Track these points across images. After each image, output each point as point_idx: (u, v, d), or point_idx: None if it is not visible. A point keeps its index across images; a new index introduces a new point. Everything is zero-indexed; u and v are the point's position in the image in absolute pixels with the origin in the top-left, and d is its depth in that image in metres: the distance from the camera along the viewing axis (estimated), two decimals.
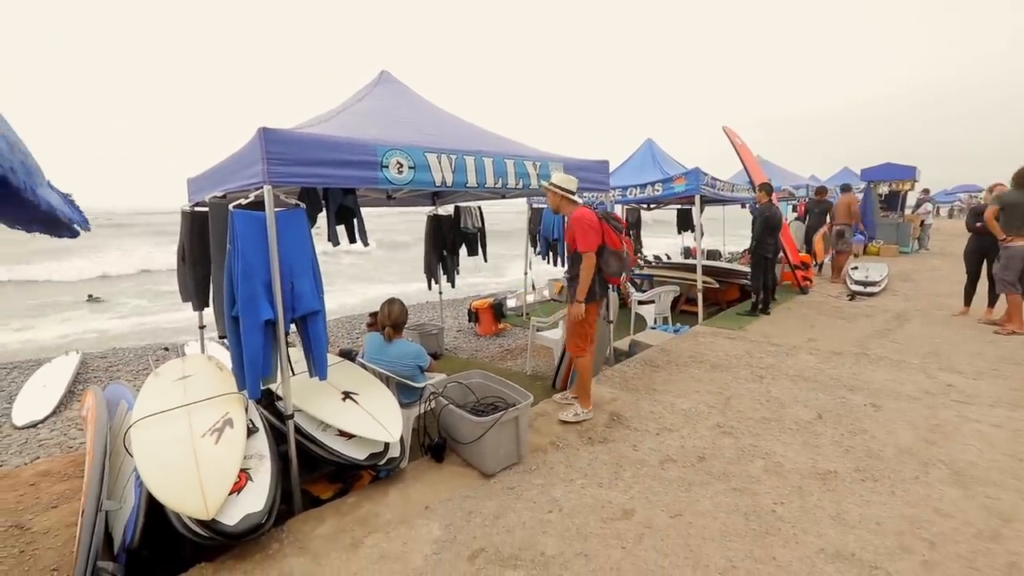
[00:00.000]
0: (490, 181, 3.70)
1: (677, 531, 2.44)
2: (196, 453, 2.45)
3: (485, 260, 7.40)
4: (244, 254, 2.69)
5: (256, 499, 2.34)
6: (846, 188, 10.34)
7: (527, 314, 8.79)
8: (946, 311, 6.88)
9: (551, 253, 9.31)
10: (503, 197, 6.19)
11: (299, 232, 2.94)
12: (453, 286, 7.45)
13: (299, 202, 3.05)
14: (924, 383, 4.26)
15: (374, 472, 2.97)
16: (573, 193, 3.66)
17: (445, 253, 7.16)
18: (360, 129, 3.47)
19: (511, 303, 9.28)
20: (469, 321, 8.43)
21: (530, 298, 9.70)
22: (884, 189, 14.42)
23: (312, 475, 3.10)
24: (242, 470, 2.47)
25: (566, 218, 3.69)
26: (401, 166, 3.18)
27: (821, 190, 10.86)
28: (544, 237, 9.11)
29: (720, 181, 7.37)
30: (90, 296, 14.45)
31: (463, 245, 7.17)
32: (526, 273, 9.56)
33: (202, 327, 4.63)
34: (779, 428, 3.51)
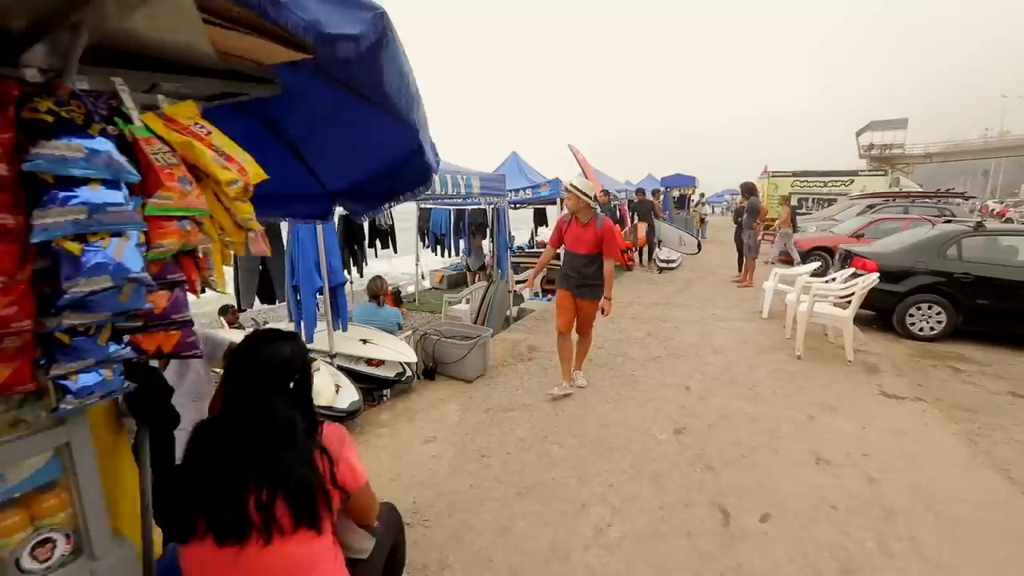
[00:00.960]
0: (439, 190, 5.29)
1: (583, 395, 4.43)
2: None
3: (395, 252, 8.76)
4: (303, 243, 3.97)
5: (350, 396, 3.71)
6: (655, 193, 13.85)
7: (417, 300, 10.25)
8: (718, 277, 10.29)
9: (439, 247, 10.95)
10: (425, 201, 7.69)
11: (330, 230, 4.27)
12: (362, 275, 8.65)
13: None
14: (702, 314, 7.04)
15: (400, 383, 4.40)
16: (593, 199, 3.93)
17: (356, 247, 8.33)
18: None
19: (409, 289, 10.68)
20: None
21: (424, 284, 11.19)
22: (676, 193, 18.92)
23: None
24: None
25: (575, 219, 3.93)
26: None
27: (640, 191, 14.28)
28: (433, 233, 10.71)
29: None
30: None
31: (377, 239, 8.44)
32: (417, 264, 11.02)
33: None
34: (628, 342, 5.80)
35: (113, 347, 1.01)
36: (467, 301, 7.59)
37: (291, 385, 1.34)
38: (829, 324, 5.54)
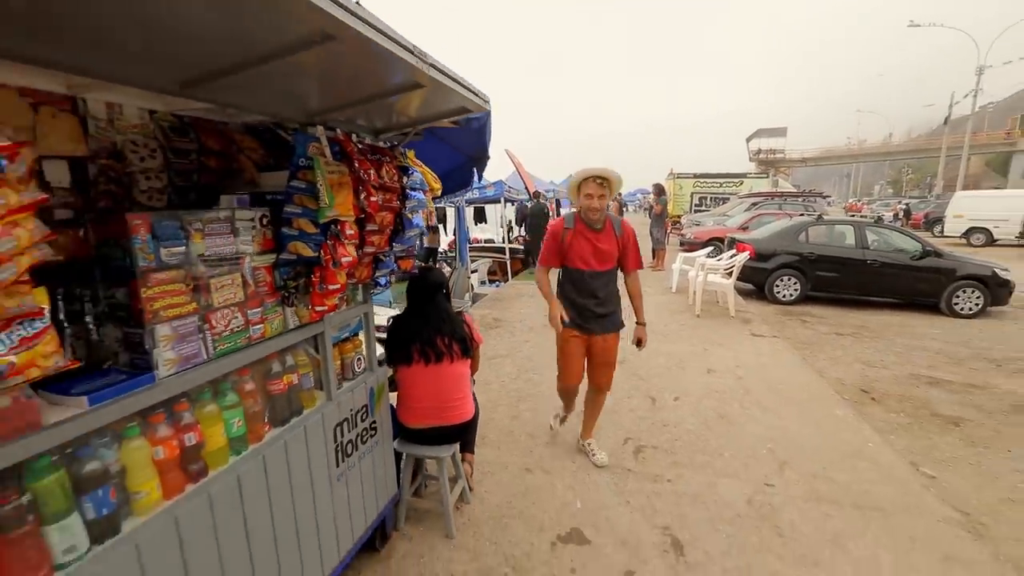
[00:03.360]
0: None
1: (537, 348, 5.83)
2: None
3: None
4: None
5: None
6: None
7: None
8: None
9: None
10: None
11: None
12: None
13: None
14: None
15: None
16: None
17: None
18: None
19: None
20: None
21: None
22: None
23: None
24: None
25: (584, 225, 2.90)
26: None
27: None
28: None
29: (512, 189, 11.23)
30: None
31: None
32: None
33: None
34: None
35: (392, 263, 2.22)
36: None
37: (444, 291, 2.57)
38: (718, 291, 7.40)
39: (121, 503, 1.21)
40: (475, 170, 3.29)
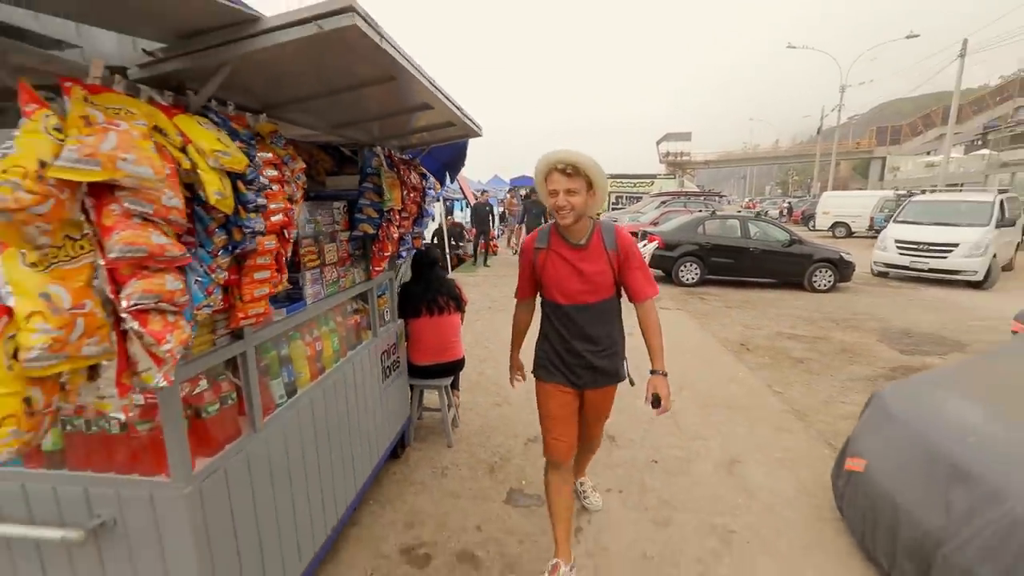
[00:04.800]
0: None
1: (487, 324, 6.79)
2: None
3: None
4: None
5: None
6: (511, 191, 16.71)
7: None
8: None
9: None
10: None
11: None
12: None
13: None
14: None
15: None
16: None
17: None
18: None
19: None
20: None
21: None
22: (523, 191, 22.25)
23: None
24: None
25: (560, 237, 2.10)
26: None
27: (532, 191, 17.04)
28: None
29: (449, 188, 12.06)
30: None
31: None
32: None
33: None
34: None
35: (410, 241, 3.07)
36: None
37: (438, 264, 3.44)
38: None
39: (295, 377, 2.02)
40: (448, 174, 4.17)
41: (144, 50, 1.10)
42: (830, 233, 20.33)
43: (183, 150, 1.01)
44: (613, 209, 23.73)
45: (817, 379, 4.86)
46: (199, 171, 1.02)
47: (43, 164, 0.76)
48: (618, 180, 28.72)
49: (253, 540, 1.63)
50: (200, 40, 1.09)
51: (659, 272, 10.03)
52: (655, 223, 14.64)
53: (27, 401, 0.78)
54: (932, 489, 1.95)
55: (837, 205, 20.66)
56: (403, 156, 2.96)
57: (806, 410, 4.06)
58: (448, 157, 4.00)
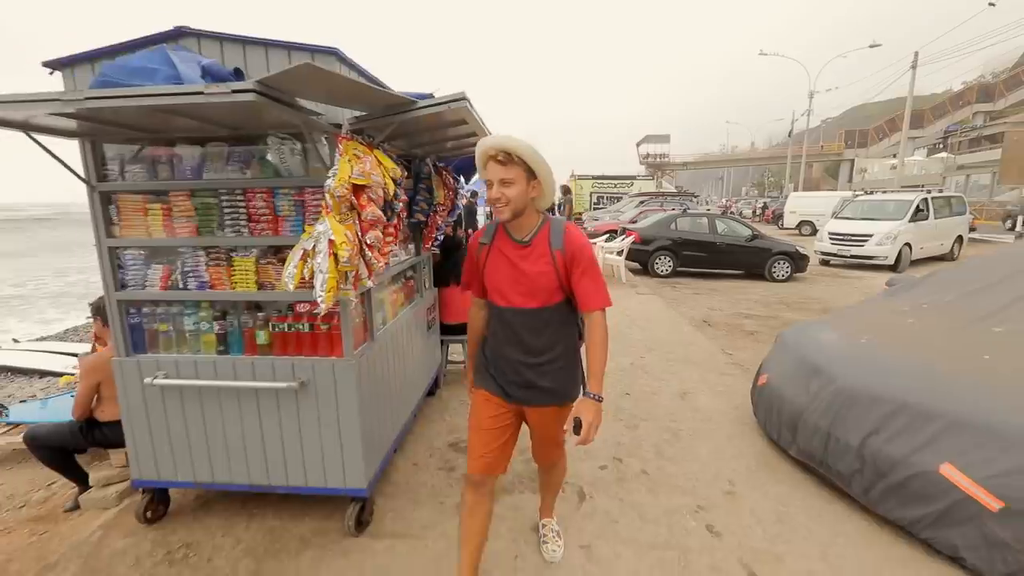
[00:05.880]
0: None
1: None
2: None
3: None
4: None
5: None
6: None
7: None
8: None
9: None
10: None
11: None
12: None
13: None
14: None
15: None
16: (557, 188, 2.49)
17: None
18: None
19: None
20: None
21: None
22: None
23: None
24: None
25: (503, 232, 1.86)
26: None
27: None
28: None
29: None
30: None
31: None
32: None
33: None
34: None
35: (444, 228, 4.06)
36: None
37: (461, 247, 4.43)
38: (613, 266, 9.84)
39: (384, 314, 3.01)
40: (462, 178, 5.15)
41: (355, 115, 2.09)
42: (797, 231, 21.81)
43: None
44: (595, 208, 24.93)
45: (762, 346, 5.96)
46: (386, 179, 2.01)
47: (347, 176, 1.75)
48: (599, 181, 29.95)
49: (381, 401, 2.64)
50: (387, 110, 2.09)
51: (636, 264, 11.15)
52: (634, 221, 15.82)
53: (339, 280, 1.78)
54: (801, 383, 3.04)
55: (803, 205, 22.19)
56: (441, 164, 3.96)
57: (747, 363, 5.16)
58: (463, 163, 4.99)
